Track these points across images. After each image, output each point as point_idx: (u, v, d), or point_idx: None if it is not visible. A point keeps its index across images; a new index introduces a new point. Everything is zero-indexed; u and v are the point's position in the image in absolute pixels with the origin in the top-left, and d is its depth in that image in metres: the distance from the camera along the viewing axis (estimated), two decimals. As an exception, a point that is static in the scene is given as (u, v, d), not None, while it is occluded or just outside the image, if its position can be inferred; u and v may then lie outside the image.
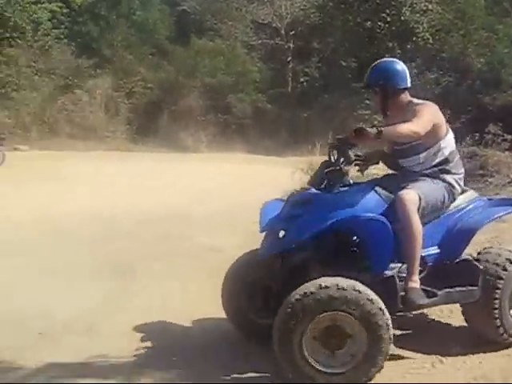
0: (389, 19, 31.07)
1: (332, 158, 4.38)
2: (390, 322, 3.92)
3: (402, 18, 30.80)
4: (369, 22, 31.29)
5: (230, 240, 8.09)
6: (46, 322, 5.37)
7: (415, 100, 4.66)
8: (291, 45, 34.08)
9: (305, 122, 28.90)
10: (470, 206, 4.68)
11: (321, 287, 3.85)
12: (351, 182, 4.49)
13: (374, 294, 3.93)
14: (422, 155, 4.54)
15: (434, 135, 4.49)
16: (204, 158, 24.03)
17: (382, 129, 4.08)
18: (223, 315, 4.94)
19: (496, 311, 4.49)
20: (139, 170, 18.47)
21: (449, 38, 30.12)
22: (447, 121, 4.75)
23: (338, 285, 3.86)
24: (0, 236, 8.74)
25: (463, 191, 4.72)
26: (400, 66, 4.72)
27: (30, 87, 29.05)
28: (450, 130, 4.69)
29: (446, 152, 4.59)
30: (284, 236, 4.26)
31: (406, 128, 4.23)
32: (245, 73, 31.85)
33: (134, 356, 4.64)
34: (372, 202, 4.31)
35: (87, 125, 28.88)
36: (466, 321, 4.88)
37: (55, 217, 10.44)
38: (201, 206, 11.58)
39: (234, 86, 31.24)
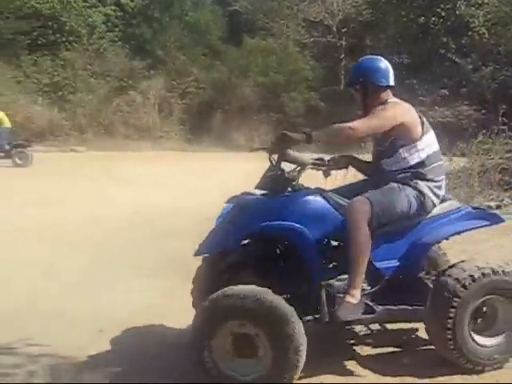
0: (443, 14, 30.62)
1: (273, 161, 4.23)
2: (298, 332, 3.75)
3: (457, 12, 30.30)
4: (422, 18, 30.91)
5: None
6: (106, 319, 5.43)
7: (394, 99, 4.42)
8: (343, 42, 33.88)
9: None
10: (443, 217, 4.29)
11: (225, 295, 3.79)
12: (302, 186, 4.28)
13: (282, 303, 3.78)
14: (401, 150, 4.25)
15: (405, 135, 4.25)
16: (257, 157, 24.01)
17: (312, 132, 3.98)
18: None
19: (449, 332, 4.04)
20: (193, 169, 18.62)
21: (505, 32, 29.41)
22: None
23: (240, 293, 3.77)
24: (60, 237, 8.89)
25: (444, 200, 4.37)
26: (383, 63, 4.49)
27: (85, 89, 29.59)
28: (431, 133, 4.39)
29: (423, 155, 4.27)
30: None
31: (340, 128, 4.09)
32: (297, 71, 31.76)
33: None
34: (313, 209, 4.13)
35: (141, 125, 29.27)
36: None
37: (113, 217, 10.59)
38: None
39: (287, 84, 31.19)
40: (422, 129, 4.32)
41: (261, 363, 3.85)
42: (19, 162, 19.66)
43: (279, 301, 3.79)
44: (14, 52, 31.05)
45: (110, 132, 28.44)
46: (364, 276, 4.01)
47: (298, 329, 3.75)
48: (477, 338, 4.12)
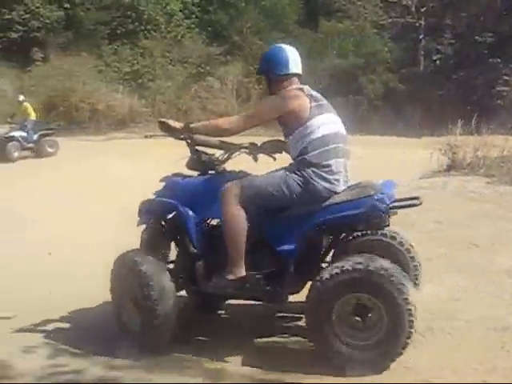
0: (528, -12, 29.54)
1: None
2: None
3: (544, -14, 29.19)
4: (507, -6, 29.88)
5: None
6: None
7: (292, 87, 4.49)
8: (422, 22, 33.09)
9: (439, 101, 27.98)
10: (340, 204, 4.18)
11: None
12: (224, 170, 4.72)
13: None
14: (291, 138, 4.38)
15: (292, 123, 4.35)
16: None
17: (191, 124, 4.44)
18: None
19: (317, 327, 4.06)
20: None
21: None
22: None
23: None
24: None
25: (356, 186, 4.37)
26: (283, 52, 4.61)
27: (164, 77, 30.05)
28: (323, 116, 4.37)
29: (307, 140, 4.27)
30: None
31: (216, 125, 4.48)
32: (375, 53, 31.28)
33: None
34: (202, 191, 4.56)
35: (219, 111, 29.41)
36: None
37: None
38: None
39: (365, 66, 30.78)
40: (310, 113, 4.33)
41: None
42: (50, 150, 20.17)
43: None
44: (95, 42, 31.84)
45: (188, 118, 28.68)
46: (243, 255, 4.24)
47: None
48: (347, 338, 4.03)
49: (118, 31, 32.59)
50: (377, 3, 33.58)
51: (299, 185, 4.23)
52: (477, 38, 29.89)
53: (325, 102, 4.51)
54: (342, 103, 30.23)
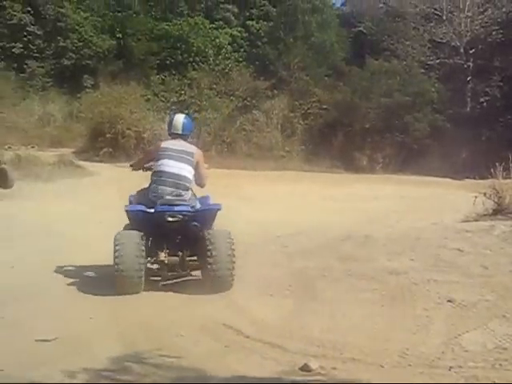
0: None
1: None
2: None
3: None
4: (557, 37, 29.58)
5: (410, 263, 7.88)
6: (233, 335, 5.50)
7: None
8: (471, 63, 32.92)
9: (485, 143, 27.70)
10: None
11: None
12: None
13: None
14: None
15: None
16: (379, 180, 23.81)
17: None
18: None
19: None
20: (314, 189, 18.62)
21: None
22: None
23: None
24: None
25: None
26: (172, 118, 8.03)
27: (211, 108, 30.25)
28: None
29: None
30: None
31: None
32: (422, 93, 31.12)
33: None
34: None
35: (264, 145, 29.58)
36: None
37: (236, 234, 10.74)
38: (379, 228, 11.44)
39: (411, 106, 30.64)
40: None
41: None
42: None
43: None
44: (144, 72, 32.42)
45: (232, 150, 28.92)
46: None
47: None
48: None
49: (167, 62, 33.20)
50: (425, 43, 33.50)
51: None
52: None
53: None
54: (386, 141, 30.33)
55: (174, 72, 32.97)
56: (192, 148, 7.60)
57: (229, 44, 35.40)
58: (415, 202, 15.94)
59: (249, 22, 36.96)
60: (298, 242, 9.92)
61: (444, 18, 33.58)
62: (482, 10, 33.40)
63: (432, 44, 33.43)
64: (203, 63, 33.02)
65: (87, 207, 13.18)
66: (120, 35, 33.61)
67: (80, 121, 29.96)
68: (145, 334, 5.55)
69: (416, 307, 6.03)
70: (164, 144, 7.47)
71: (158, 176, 7.24)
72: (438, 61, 32.95)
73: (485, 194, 11.63)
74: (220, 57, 34.31)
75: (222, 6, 37.74)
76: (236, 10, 37.71)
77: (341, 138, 30.57)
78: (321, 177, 23.87)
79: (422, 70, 32.42)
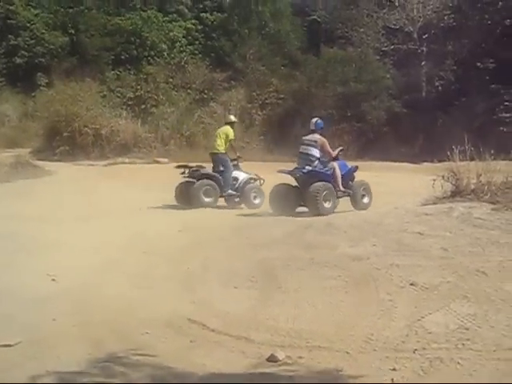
0: (529, 16, 29.70)
1: None
2: None
3: (544, 13, 29.36)
4: (507, 20, 30.00)
5: (372, 249, 7.94)
6: (198, 329, 5.49)
7: None
8: (424, 48, 33.26)
9: (441, 127, 28.06)
10: None
11: None
12: None
13: None
14: None
15: None
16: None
17: None
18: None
19: None
20: (275, 179, 18.62)
21: None
22: None
23: None
24: (148, 245, 9.06)
25: None
26: None
27: (168, 102, 30.08)
28: None
29: None
30: None
31: None
32: (377, 80, 31.37)
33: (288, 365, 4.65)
34: None
35: (223, 136, 29.52)
36: None
37: (198, 226, 10.75)
38: (340, 215, 11.53)
39: (367, 93, 30.85)
40: None
41: None
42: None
43: None
44: (99, 68, 32.06)
45: (191, 143, 28.80)
46: None
47: None
48: None
49: (122, 57, 32.89)
50: (379, 30, 33.74)
51: None
52: (478, 64, 29.97)
53: None
54: (345, 129, 30.51)
55: (129, 67, 32.70)
56: (317, 137, 12.75)
57: (183, 37, 35.21)
58: (375, 187, 16.02)
59: (203, 15, 36.80)
60: (261, 232, 9.94)
61: (396, 4, 33.80)
62: (433, -5, 33.77)
63: (386, 30, 33.65)
64: (158, 57, 32.82)
65: (45, 207, 12.99)
66: (73, 31, 33.18)
67: (36, 120, 29.55)
68: (110, 333, 5.50)
69: (379, 292, 6.08)
70: (304, 136, 13.16)
71: (299, 154, 13.06)
72: (392, 47, 33.19)
73: (443, 177, 11.78)
74: (175, 50, 34.14)
75: (175, -2, 37.56)
76: (189, 2, 37.53)
77: (299, 127, 30.62)
78: (281, 166, 23.83)
79: (377, 57, 32.64)
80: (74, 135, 26.66)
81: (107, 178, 19.33)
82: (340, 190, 12.49)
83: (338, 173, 12.52)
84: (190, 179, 14.09)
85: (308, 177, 12.28)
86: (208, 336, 5.31)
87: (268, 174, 19.04)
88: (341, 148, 13.74)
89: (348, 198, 12.87)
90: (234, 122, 15.40)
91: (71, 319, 5.84)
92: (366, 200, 13.09)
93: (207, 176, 14.22)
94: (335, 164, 12.67)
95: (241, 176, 14.64)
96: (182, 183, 14.20)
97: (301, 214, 11.81)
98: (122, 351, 4.93)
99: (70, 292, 6.70)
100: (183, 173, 14.19)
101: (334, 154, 12.92)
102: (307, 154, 12.56)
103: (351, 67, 31.90)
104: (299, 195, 12.28)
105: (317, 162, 12.47)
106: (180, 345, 5.16)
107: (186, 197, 13.82)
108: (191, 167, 14.41)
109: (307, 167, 12.32)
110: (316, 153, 12.49)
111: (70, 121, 26.80)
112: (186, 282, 7.09)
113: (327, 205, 11.96)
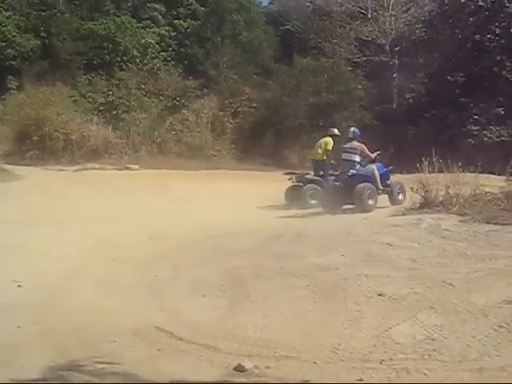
0: (498, 32, 30.18)
1: None
2: None
3: (512, 30, 29.87)
4: (477, 35, 30.48)
5: (341, 259, 7.98)
6: (166, 338, 5.46)
7: None
8: (396, 61, 33.66)
9: (411, 139, 28.36)
10: None
11: None
12: None
13: None
14: None
15: None
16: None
17: None
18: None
19: None
20: (246, 188, 18.66)
21: None
22: None
23: None
24: (117, 253, 9.00)
25: None
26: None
27: (139, 108, 29.90)
28: None
29: None
30: None
31: None
32: (349, 91, 31.56)
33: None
34: None
35: (194, 144, 29.45)
36: None
37: (171, 234, 10.70)
38: (311, 224, 11.57)
39: (339, 104, 31.02)
40: None
41: None
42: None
43: None
44: (71, 72, 31.75)
45: (162, 150, 28.68)
46: None
47: None
48: None
49: (94, 62, 32.58)
50: (351, 41, 34.08)
51: None
52: (449, 77, 30.38)
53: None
54: (316, 139, 30.61)
55: (101, 72, 32.40)
56: (356, 144, 14.83)
57: (157, 43, 35.03)
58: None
59: (176, 21, 36.68)
60: (231, 241, 9.93)
61: (369, 16, 34.22)
62: (405, 8, 34.23)
63: (358, 42, 34.04)
64: (131, 63, 32.56)
65: (13, 212, 12.83)
66: (45, 35, 32.75)
67: (5, 123, 29.09)
68: (76, 341, 5.44)
69: (347, 302, 6.10)
70: (344, 145, 15.03)
71: (342, 161, 15.09)
72: (364, 58, 33.57)
73: (412, 189, 11.95)
74: (148, 56, 33.93)
75: (149, 4, 37.25)
76: (163, 8, 37.34)
77: (271, 136, 30.74)
78: (252, 175, 23.96)
79: (349, 68, 32.88)
80: (44, 139, 26.36)
81: (77, 183, 19.12)
82: (380, 189, 14.56)
83: (377, 174, 14.53)
84: (299, 183, 16.37)
85: (353, 179, 14.30)
86: (176, 345, 5.29)
87: (240, 182, 19.14)
88: (378, 152, 15.19)
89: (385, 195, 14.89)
90: (336, 135, 16.93)
91: (36, 326, 5.78)
92: (401, 197, 14.93)
93: (312, 181, 16.26)
94: (373, 166, 14.67)
95: None
96: (291, 187, 16.52)
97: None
98: (88, 359, 4.88)
99: (36, 299, 6.62)
100: (290, 178, 16.59)
101: (373, 156, 14.90)
102: (350, 161, 14.67)
103: (323, 77, 32.03)
104: (345, 195, 14.02)
105: (358, 166, 14.58)
106: (147, 353, 5.13)
107: (294, 198, 15.92)
108: (298, 173, 16.99)
109: (351, 171, 14.42)
110: (357, 158, 14.59)
111: (41, 125, 26.49)
112: (154, 290, 7.06)
113: (371, 202, 13.94)
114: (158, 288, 7.16)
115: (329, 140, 16.58)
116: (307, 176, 16.61)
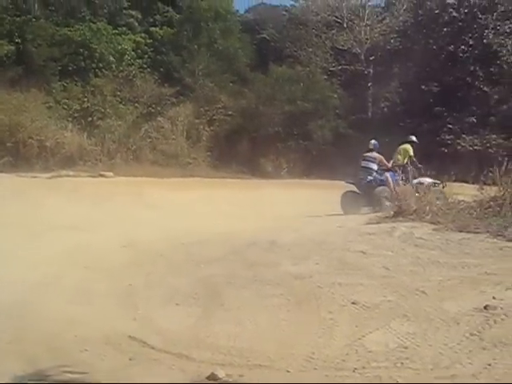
0: (471, 42, 30.55)
1: None
2: None
3: (485, 40, 30.28)
4: (451, 46, 30.83)
5: (315, 267, 7.98)
6: (138, 347, 5.42)
7: None
8: (371, 70, 33.94)
9: (386, 147, 28.51)
10: None
11: None
12: None
13: None
14: None
15: None
16: (284, 185, 24.08)
17: None
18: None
19: None
20: (221, 196, 18.65)
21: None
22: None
23: None
24: (90, 261, 8.92)
25: None
26: None
27: (114, 115, 29.79)
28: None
29: None
30: None
31: None
32: (324, 99, 31.73)
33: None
34: None
35: (169, 152, 29.41)
36: None
37: (142, 242, 10.62)
38: (285, 233, 11.54)
39: (314, 112, 31.15)
40: None
41: None
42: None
43: None
44: (45, 78, 31.48)
45: (138, 158, 28.61)
46: None
47: None
48: None
49: (69, 68, 32.32)
50: (327, 50, 34.29)
51: None
52: (423, 87, 30.68)
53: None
54: (291, 147, 30.75)
55: (76, 79, 32.14)
56: (375, 155, 16.65)
57: (132, 50, 34.85)
58: (320, 205, 16.23)
59: (152, 29, 36.58)
60: (205, 249, 9.87)
61: (345, 25, 34.46)
62: (380, 18, 34.56)
63: (334, 51, 34.29)
64: (106, 70, 32.37)
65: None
66: (19, 40, 32.48)
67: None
68: (47, 349, 5.38)
69: (321, 310, 6.09)
70: (364, 153, 16.71)
71: (361, 168, 16.54)
72: (339, 67, 33.81)
73: (386, 198, 12.03)
74: (123, 63, 33.75)
75: (125, 11, 37.06)
76: (140, 16, 37.20)
77: (246, 144, 30.77)
78: (227, 183, 23.95)
79: (325, 77, 33.12)
80: (18, 146, 26.17)
81: (51, 190, 18.93)
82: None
83: (390, 180, 16.04)
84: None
85: (371, 184, 16.15)
86: (148, 354, 5.25)
87: (215, 190, 19.13)
88: (392, 161, 16.87)
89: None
90: (413, 142, 17.74)
91: (6, 335, 5.71)
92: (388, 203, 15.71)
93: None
94: (387, 174, 16.30)
95: (426, 181, 16.22)
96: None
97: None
98: (58, 368, 4.82)
99: (6, 307, 6.53)
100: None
101: (389, 165, 16.62)
102: (368, 168, 16.51)
103: (299, 86, 32.18)
104: (363, 199, 15.97)
105: (375, 173, 16.39)
106: (119, 362, 5.08)
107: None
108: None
109: (369, 177, 16.23)
110: (375, 167, 16.46)
111: (14, 131, 26.31)
112: (127, 299, 7.00)
113: (387, 203, 14.73)
114: (131, 296, 7.10)
115: (408, 146, 17.47)
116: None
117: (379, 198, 15.54)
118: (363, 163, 16.76)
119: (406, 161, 17.22)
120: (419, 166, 16.92)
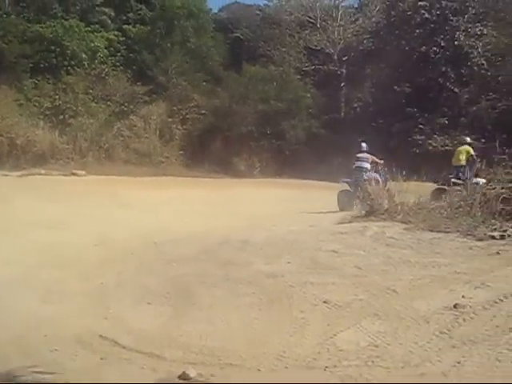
0: (443, 44, 30.84)
1: None
2: None
3: (456, 42, 30.59)
4: (423, 47, 31.10)
5: (287, 266, 8.00)
6: (109, 346, 5.38)
7: None
8: (344, 70, 34.12)
9: (358, 147, 28.69)
10: None
11: None
12: None
13: None
14: None
15: None
16: (257, 184, 24.11)
17: None
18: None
19: None
20: (193, 195, 18.61)
21: (504, 63, 29.62)
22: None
23: None
24: (61, 259, 8.84)
25: None
26: None
27: (86, 114, 29.58)
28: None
29: None
30: None
31: None
32: (297, 99, 31.83)
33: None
34: None
35: (142, 150, 29.29)
36: None
37: (116, 240, 10.57)
38: (257, 232, 11.55)
39: (287, 112, 31.23)
40: None
41: None
42: None
43: None
44: (16, 75, 31.15)
45: (110, 156, 28.44)
46: None
47: None
48: None
49: (41, 65, 31.99)
50: (300, 50, 34.42)
51: None
52: (395, 87, 30.91)
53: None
54: (264, 147, 30.78)
55: (47, 76, 31.85)
56: (367, 155, 17.70)
57: (105, 48, 34.61)
58: (293, 204, 16.33)
59: (125, 26, 36.36)
60: (177, 248, 9.85)
61: (318, 26, 34.63)
62: (353, 19, 34.81)
63: (307, 51, 34.44)
64: (78, 67, 32.10)
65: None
66: (-11, 36, 32.15)
67: None
68: (16, 349, 5.31)
69: (293, 309, 6.10)
70: (357, 154, 17.77)
71: (355, 168, 17.46)
72: (312, 67, 33.96)
73: (358, 197, 12.09)
74: (96, 61, 33.49)
75: (97, 8, 36.75)
76: (112, 13, 36.94)
77: (219, 143, 30.76)
78: (200, 182, 23.91)
79: (298, 76, 33.25)
80: (-12, 144, 25.88)
81: (22, 188, 18.74)
82: None
83: (380, 180, 16.36)
84: (443, 186, 16.96)
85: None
86: (119, 353, 5.21)
87: (188, 189, 19.09)
88: (382, 160, 17.77)
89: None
90: (470, 143, 18.60)
91: (-25, 335, 5.63)
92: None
93: (455, 183, 16.76)
94: (376, 174, 16.94)
95: (480, 181, 16.07)
96: (436, 189, 17.20)
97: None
98: (28, 368, 4.77)
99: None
100: (436, 181, 17.65)
101: (381, 162, 17.57)
102: (362, 167, 17.55)
103: (272, 85, 32.27)
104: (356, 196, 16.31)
105: (368, 172, 17.29)
106: (90, 362, 5.04)
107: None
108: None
109: (364, 176, 16.92)
110: (368, 166, 17.54)
111: (-16, 129, 26.01)
112: (98, 298, 6.95)
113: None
114: (103, 295, 7.05)
115: (468, 147, 18.19)
116: (452, 180, 17.48)
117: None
118: (357, 163, 17.76)
119: (465, 161, 17.76)
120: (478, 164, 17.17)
